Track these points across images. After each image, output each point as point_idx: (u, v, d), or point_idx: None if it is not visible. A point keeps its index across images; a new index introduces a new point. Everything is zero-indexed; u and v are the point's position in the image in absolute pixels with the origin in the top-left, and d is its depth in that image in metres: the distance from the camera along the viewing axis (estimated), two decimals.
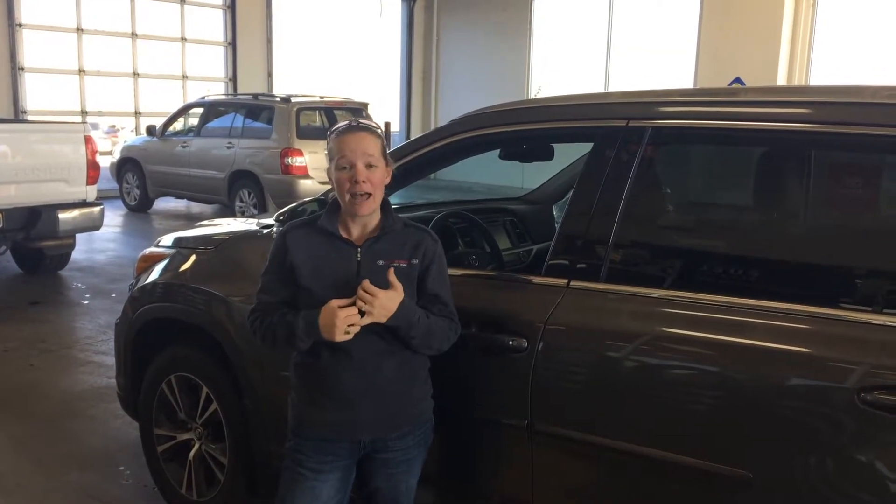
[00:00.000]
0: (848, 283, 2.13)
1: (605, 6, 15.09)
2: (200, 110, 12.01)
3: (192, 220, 11.15)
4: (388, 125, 12.35)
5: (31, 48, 13.41)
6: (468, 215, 3.46)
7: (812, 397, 1.89)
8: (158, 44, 15.19)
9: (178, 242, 3.38)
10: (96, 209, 7.27)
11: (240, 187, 10.92)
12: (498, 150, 3.02)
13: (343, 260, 2.13)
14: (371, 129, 2.15)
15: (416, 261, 2.16)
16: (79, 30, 13.98)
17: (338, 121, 11.15)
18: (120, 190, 12.69)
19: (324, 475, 2.19)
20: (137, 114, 15.14)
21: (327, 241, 2.16)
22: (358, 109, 11.40)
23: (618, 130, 2.33)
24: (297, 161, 10.37)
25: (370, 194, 2.09)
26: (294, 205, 2.96)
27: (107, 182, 11.33)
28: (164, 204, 13.06)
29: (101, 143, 12.17)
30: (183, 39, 15.45)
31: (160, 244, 3.48)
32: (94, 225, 7.36)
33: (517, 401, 2.26)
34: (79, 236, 7.62)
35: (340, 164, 2.10)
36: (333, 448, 2.19)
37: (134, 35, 14.74)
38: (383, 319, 2.05)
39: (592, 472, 2.28)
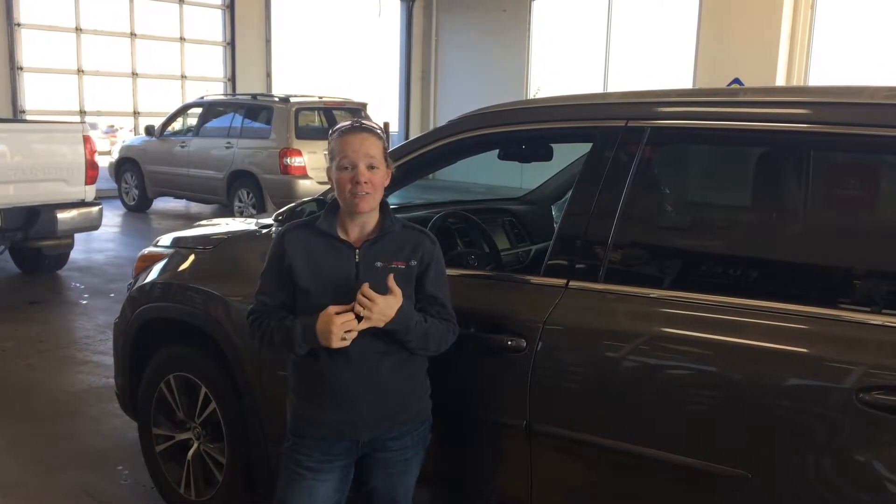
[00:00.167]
0: (846, 283, 2.13)
1: (605, 7, 15.10)
2: (199, 110, 12.01)
3: (190, 220, 11.15)
4: (386, 125, 12.33)
5: (30, 48, 13.42)
6: (467, 215, 3.47)
7: (810, 397, 1.90)
8: (157, 44, 15.19)
9: (176, 242, 3.38)
10: (95, 209, 7.27)
11: (238, 187, 10.92)
12: (497, 151, 3.02)
13: (341, 261, 2.13)
14: (373, 131, 2.15)
15: (414, 262, 2.16)
16: (77, 30, 13.98)
17: (337, 121, 11.17)
18: (118, 190, 12.69)
19: (322, 475, 2.19)
20: (136, 114, 15.14)
21: (325, 243, 2.16)
22: (357, 109, 11.40)
23: (617, 131, 2.33)
24: (295, 161, 10.37)
25: (369, 193, 2.10)
26: (293, 205, 2.96)
27: (105, 182, 11.32)
28: (163, 204, 13.06)
29: (100, 142, 12.17)
30: (182, 39, 15.46)
31: (159, 244, 3.48)
32: (93, 225, 7.36)
33: (515, 401, 2.26)
34: (77, 236, 7.62)
35: (342, 165, 2.10)
36: (332, 448, 2.19)
37: (133, 35, 14.74)
38: (381, 324, 2.05)
39: (590, 473, 2.28)
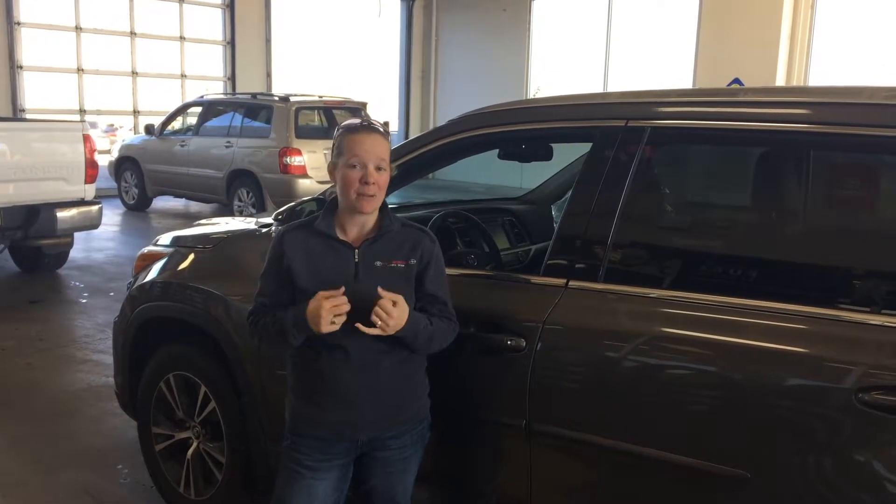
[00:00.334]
0: (846, 283, 2.13)
1: (605, 6, 15.09)
2: (199, 109, 12.00)
3: (190, 219, 11.15)
4: (386, 125, 12.31)
5: (30, 47, 13.41)
6: (467, 215, 3.47)
7: (810, 397, 1.90)
8: (157, 43, 15.19)
9: (176, 241, 3.38)
10: (94, 208, 7.26)
11: (238, 186, 10.91)
12: (497, 150, 3.02)
13: (340, 261, 2.13)
14: (382, 132, 2.15)
15: (413, 261, 2.16)
16: (77, 28, 13.97)
17: (336, 120, 11.17)
18: (118, 189, 12.69)
19: (321, 473, 2.19)
20: (136, 112, 15.14)
21: (324, 243, 2.15)
22: (357, 109, 11.40)
23: (617, 130, 2.33)
24: (295, 160, 10.37)
25: (375, 194, 2.10)
26: (292, 204, 2.96)
27: (105, 181, 11.31)
28: (163, 203, 13.06)
29: (100, 141, 12.17)
30: (182, 38, 15.45)
31: (158, 243, 3.48)
32: (93, 224, 7.35)
33: (515, 400, 2.26)
34: (77, 235, 7.62)
35: (350, 163, 2.09)
36: (331, 447, 2.19)
37: (133, 34, 14.74)
38: (393, 332, 2.05)
39: (590, 472, 2.28)
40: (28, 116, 12.55)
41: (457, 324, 2.23)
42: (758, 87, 2.96)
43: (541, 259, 2.44)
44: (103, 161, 10.42)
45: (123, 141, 13.43)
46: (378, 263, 2.13)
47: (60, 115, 12.60)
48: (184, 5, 15.31)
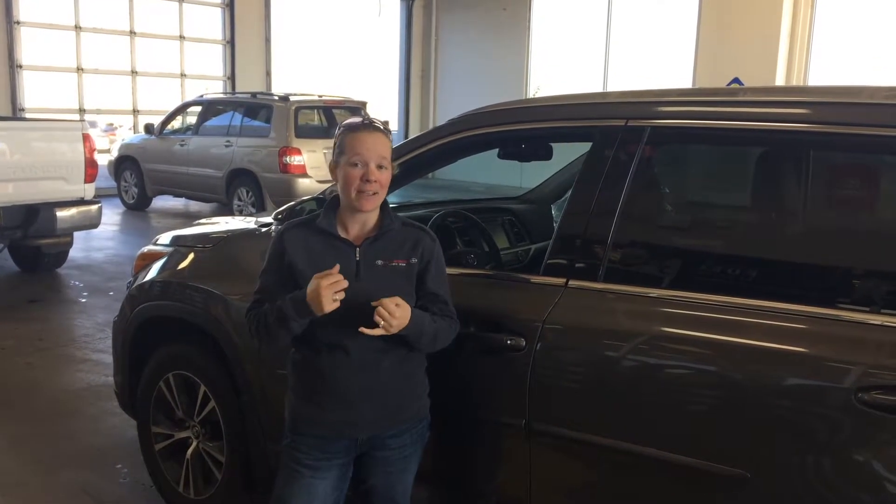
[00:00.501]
0: (846, 283, 2.13)
1: (604, 6, 15.09)
2: (199, 109, 12.00)
3: (190, 218, 11.15)
4: (386, 124, 12.32)
5: (30, 46, 13.40)
6: (467, 214, 3.47)
7: (810, 397, 1.90)
8: (157, 42, 15.17)
9: (176, 241, 3.38)
10: (94, 207, 7.26)
11: (238, 186, 10.91)
12: (496, 150, 3.02)
13: (342, 259, 2.12)
14: (385, 131, 2.15)
15: (414, 260, 2.16)
16: (77, 28, 13.96)
17: (336, 120, 11.17)
18: (118, 188, 12.68)
19: (321, 473, 2.19)
20: (135, 112, 15.13)
21: (325, 241, 2.15)
22: (356, 108, 11.39)
23: (616, 130, 2.33)
24: (295, 160, 10.36)
25: (377, 193, 2.10)
26: (292, 203, 2.96)
27: (105, 180, 11.31)
28: (162, 202, 13.05)
29: (99, 141, 12.17)
30: (181, 38, 15.44)
31: (158, 242, 3.48)
32: (92, 223, 7.35)
33: (515, 400, 2.26)
34: (77, 234, 7.62)
35: (352, 161, 2.09)
36: (331, 446, 2.19)
37: (132, 33, 14.73)
38: (396, 332, 2.05)
39: (590, 472, 2.28)
40: (28, 116, 12.54)
41: (457, 322, 2.23)
42: (757, 86, 2.96)
43: (540, 258, 2.44)
44: (103, 160, 10.42)
45: (123, 140, 13.43)
46: (379, 262, 2.13)
47: (60, 115, 12.60)
48: (183, 5, 15.31)
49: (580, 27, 15.78)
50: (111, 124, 19.17)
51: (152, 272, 3.25)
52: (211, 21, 15.80)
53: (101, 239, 9.43)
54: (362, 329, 2.02)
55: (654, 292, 2.20)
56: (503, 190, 9.83)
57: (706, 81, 12.77)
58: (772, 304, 1.99)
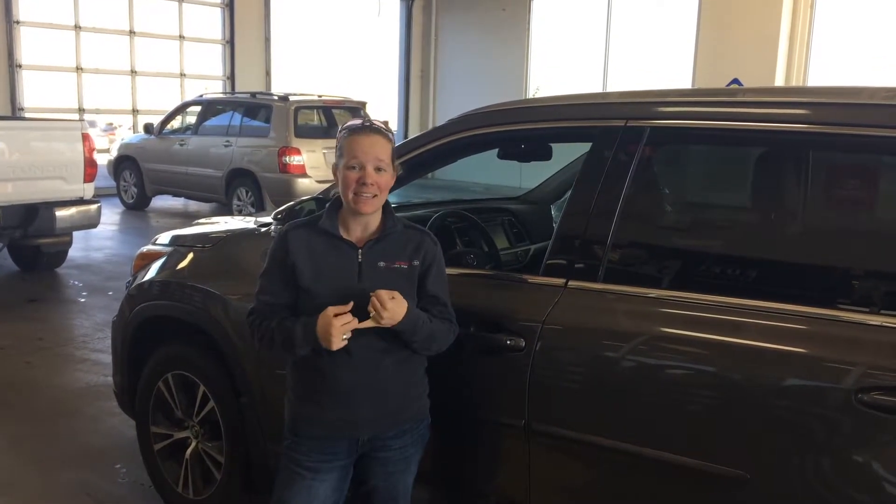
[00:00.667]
0: (845, 283, 2.13)
1: (604, 6, 15.09)
2: (198, 108, 11.99)
3: (189, 218, 11.14)
4: (386, 124, 12.32)
5: (29, 45, 13.38)
6: (466, 215, 3.46)
7: (809, 398, 1.90)
8: (156, 41, 15.16)
9: (175, 240, 3.38)
10: (93, 207, 7.26)
11: (237, 186, 10.91)
12: (496, 150, 3.02)
13: (344, 261, 2.13)
14: (384, 133, 2.14)
15: (416, 262, 2.16)
16: (76, 27, 13.95)
17: (336, 120, 11.16)
18: (117, 188, 12.68)
19: (321, 475, 2.18)
20: (135, 111, 15.12)
21: (328, 242, 2.15)
22: (356, 108, 11.39)
23: (616, 130, 2.33)
24: (294, 160, 10.35)
25: (375, 195, 2.10)
26: (292, 203, 2.96)
27: (104, 180, 11.30)
28: (162, 202, 13.05)
29: (99, 140, 12.15)
30: (181, 37, 15.43)
31: (157, 242, 3.48)
32: (91, 223, 7.35)
33: (514, 400, 2.26)
34: (76, 234, 7.62)
35: (350, 164, 2.09)
36: (331, 447, 2.19)
37: (132, 33, 14.72)
38: (390, 325, 2.05)
39: (589, 472, 2.28)
40: (27, 115, 12.53)
41: (456, 325, 2.23)
42: (757, 87, 2.96)
43: (540, 259, 2.44)
44: (102, 160, 10.42)
45: (122, 140, 13.42)
46: (381, 264, 2.13)
47: (59, 114, 12.59)
48: (183, 4, 15.29)
49: (580, 27, 15.78)
50: (111, 124, 19.16)
51: (151, 272, 3.25)
52: (210, 21, 15.79)
53: (100, 238, 9.43)
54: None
55: (654, 293, 2.20)
56: (503, 190, 9.83)
57: (706, 82, 12.77)
58: (771, 304, 1.99)
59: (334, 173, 2.17)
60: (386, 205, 2.19)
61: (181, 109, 12.43)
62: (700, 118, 2.29)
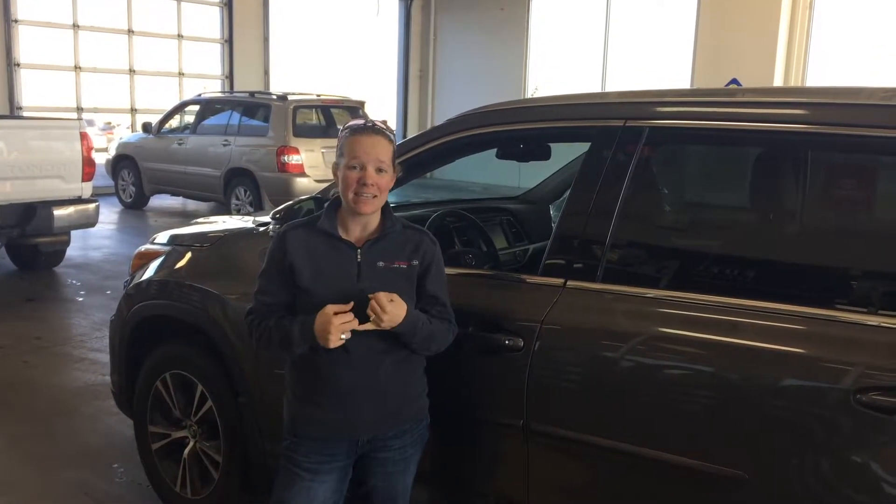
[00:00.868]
0: (843, 284, 2.13)
1: (603, 6, 15.10)
2: (196, 107, 11.98)
3: (187, 217, 11.14)
4: (386, 123, 12.32)
5: (27, 44, 13.36)
6: (465, 214, 3.46)
7: (807, 398, 1.90)
8: (155, 41, 15.14)
9: (173, 240, 3.38)
10: (91, 206, 7.25)
11: (236, 185, 10.90)
12: (495, 150, 3.02)
13: (343, 261, 2.12)
14: (386, 134, 2.14)
15: (415, 262, 2.16)
16: (75, 26, 13.93)
17: (335, 119, 11.15)
18: (115, 187, 12.67)
19: (321, 476, 2.18)
20: (133, 111, 15.10)
21: (327, 242, 2.15)
22: (355, 108, 11.39)
23: (615, 130, 2.33)
24: (293, 159, 10.34)
25: (375, 196, 2.09)
26: (290, 203, 2.95)
27: (102, 179, 11.29)
28: (160, 201, 13.04)
29: (97, 139, 12.14)
30: (179, 36, 15.41)
31: (156, 241, 3.48)
32: (90, 222, 7.34)
33: (513, 400, 2.26)
34: (74, 233, 7.61)
35: (351, 164, 2.09)
36: (330, 448, 2.19)
37: (130, 32, 14.70)
38: (390, 328, 2.05)
39: (588, 472, 2.28)
40: (25, 114, 12.52)
41: (455, 326, 2.23)
42: (756, 87, 2.96)
43: (539, 259, 2.44)
44: (100, 159, 10.39)
45: (121, 139, 13.40)
46: (380, 264, 2.13)
47: (57, 113, 12.58)
48: (181, 3, 15.28)
49: (579, 27, 15.78)
50: (109, 123, 19.16)
51: (149, 271, 3.24)
52: (209, 20, 15.77)
53: (98, 238, 9.42)
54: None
55: (653, 293, 2.20)
56: (501, 190, 9.83)
57: (704, 82, 12.79)
58: (770, 304, 2.00)
59: (334, 173, 2.17)
60: (385, 205, 2.18)
61: (179, 109, 12.42)
62: (699, 118, 2.29)
